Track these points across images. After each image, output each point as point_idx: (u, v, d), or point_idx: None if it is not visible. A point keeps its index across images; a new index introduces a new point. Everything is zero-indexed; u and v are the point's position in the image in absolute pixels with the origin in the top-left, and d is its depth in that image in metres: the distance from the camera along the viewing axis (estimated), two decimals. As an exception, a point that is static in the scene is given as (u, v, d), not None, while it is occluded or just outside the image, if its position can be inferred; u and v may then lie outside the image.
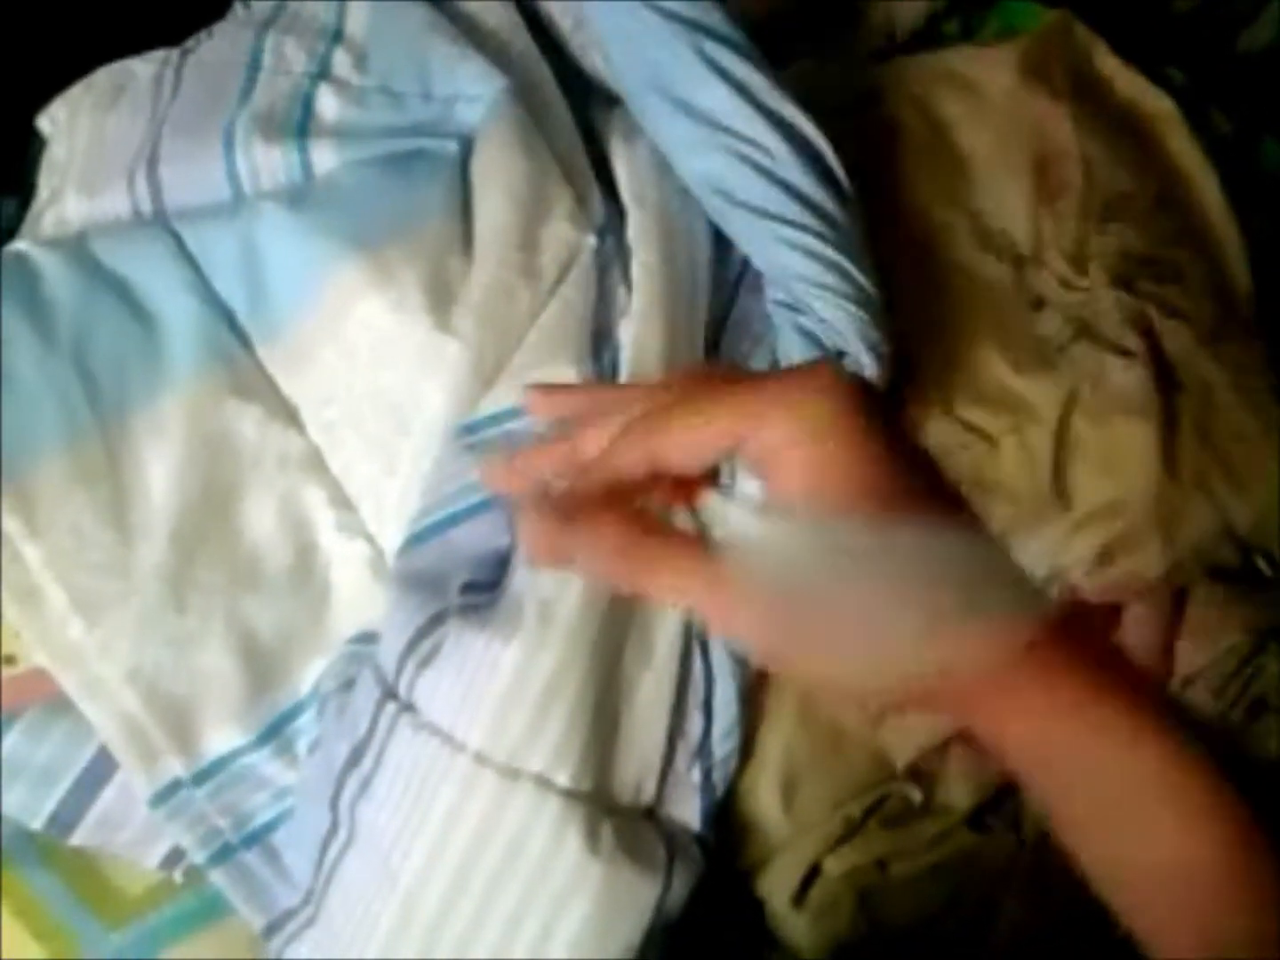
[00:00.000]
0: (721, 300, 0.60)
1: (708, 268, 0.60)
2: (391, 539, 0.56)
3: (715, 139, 0.59)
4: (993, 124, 0.63)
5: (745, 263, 0.61)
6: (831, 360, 0.31)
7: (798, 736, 0.51)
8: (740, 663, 0.51)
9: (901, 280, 0.56)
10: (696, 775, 0.50)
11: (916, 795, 0.51)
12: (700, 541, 0.32)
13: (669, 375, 0.37)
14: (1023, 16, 0.70)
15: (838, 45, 0.70)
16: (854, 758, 0.51)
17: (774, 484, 0.31)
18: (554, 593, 0.50)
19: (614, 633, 0.51)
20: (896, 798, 0.51)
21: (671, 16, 0.61)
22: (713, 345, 0.59)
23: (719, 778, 0.50)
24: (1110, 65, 0.66)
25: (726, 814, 0.51)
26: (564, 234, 0.59)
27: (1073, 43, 0.66)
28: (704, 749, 0.50)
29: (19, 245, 0.63)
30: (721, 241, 0.61)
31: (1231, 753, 0.33)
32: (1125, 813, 0.30)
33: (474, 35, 0.65)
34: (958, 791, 0.51)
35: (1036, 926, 0.53)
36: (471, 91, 0.62)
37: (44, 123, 0.70)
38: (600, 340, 0.57)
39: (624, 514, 0.32)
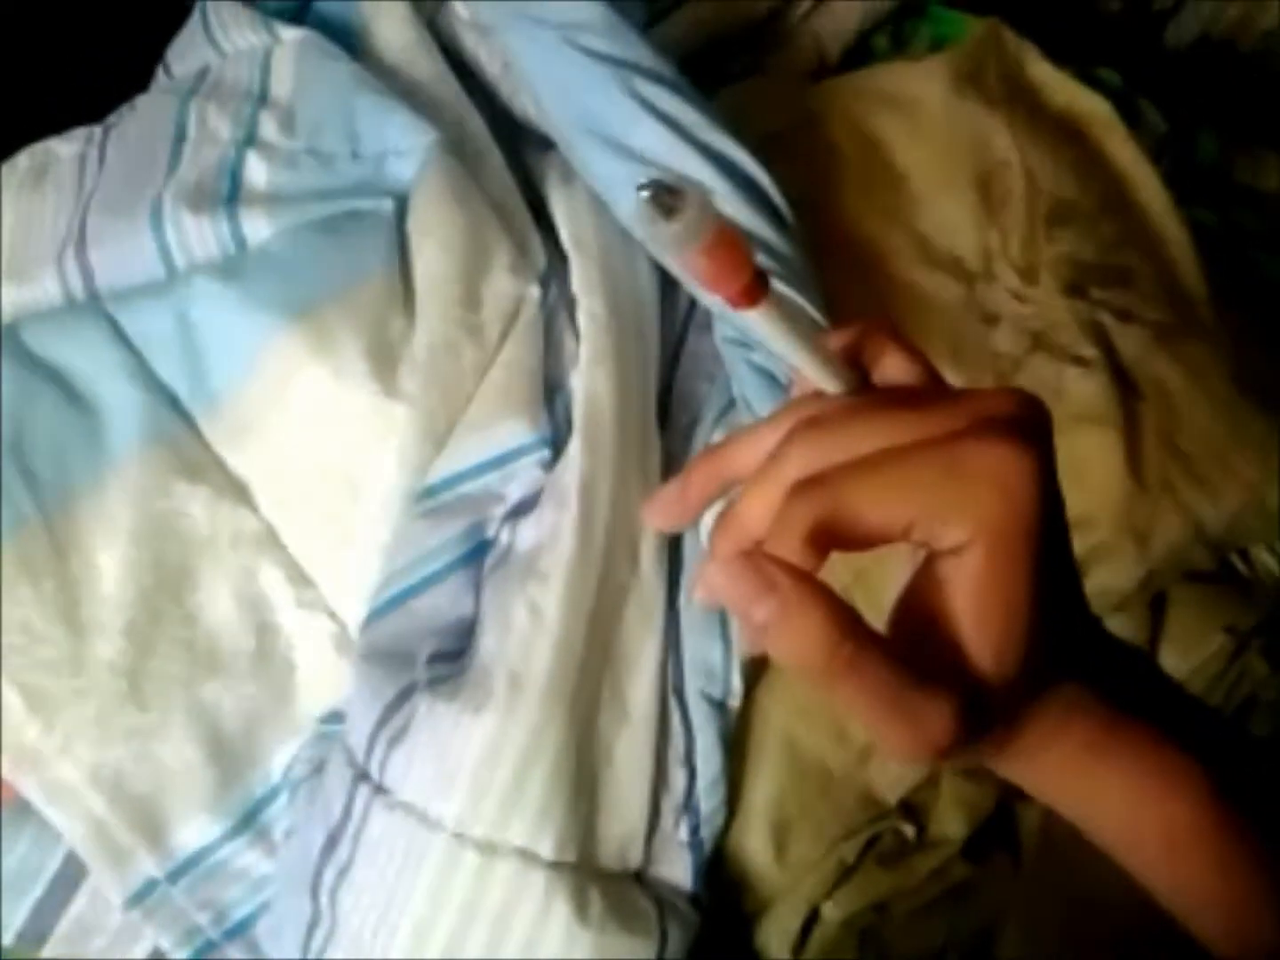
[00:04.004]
0: (671, 341, 0.59)
1: (654, 309, 0.59)
2: (354, 612, 0.54)
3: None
4: (930, 139, 0.62)
5: (692, 301, 0.60)
6: (1025, 444, 0.29)
7: (785, 782, 0.50)
8: (720, 711, 0.50)
9: (849, 305, 0.55)
10: (684, 832, 0.49)
11: (910, 831, 0.50)
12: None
13: (814, 405, 0.33)
14: (952, 25, 0.69)
15: (769, 69, 0.70)
16: (843, 798, 0.50)
17: (925, 578, 0.30)
18: (522, 658, 0.49)
19: (587, 693, 0.49)
20: (890, 835, 0.50)
21: (599, 57, 0.60)
22: (665, 387, 0.59)
23: (707, 833, 0.49)
24: (1043, 71, 0.65)
25: (718, 867, 0.50)
26: (506, 286, 0.57)
27: (1004, 51, 0.66)
28: (689, 804, 0.49)
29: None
30: (667, 281, 0.60)
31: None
32: (1127, 813, 0.33)
33: (402, 87, 0.64)
34: (951, 822, 0.50)
35: (1035, 950, 0.52)
36: (402, 146, 0.61)
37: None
38: (552, 392, 0.56)
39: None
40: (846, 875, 0.49)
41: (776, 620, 0.29)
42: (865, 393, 0.33)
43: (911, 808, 0.50)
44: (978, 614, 0.30)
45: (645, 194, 0.27)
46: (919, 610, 0.31)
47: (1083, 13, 0.68)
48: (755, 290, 0.29)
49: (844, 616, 0.29)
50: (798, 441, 0.31)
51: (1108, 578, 0.51)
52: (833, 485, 0.29)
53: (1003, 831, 0.51)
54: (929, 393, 0.33)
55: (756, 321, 0.30)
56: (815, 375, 0.33)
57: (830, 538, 0.29)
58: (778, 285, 0.35)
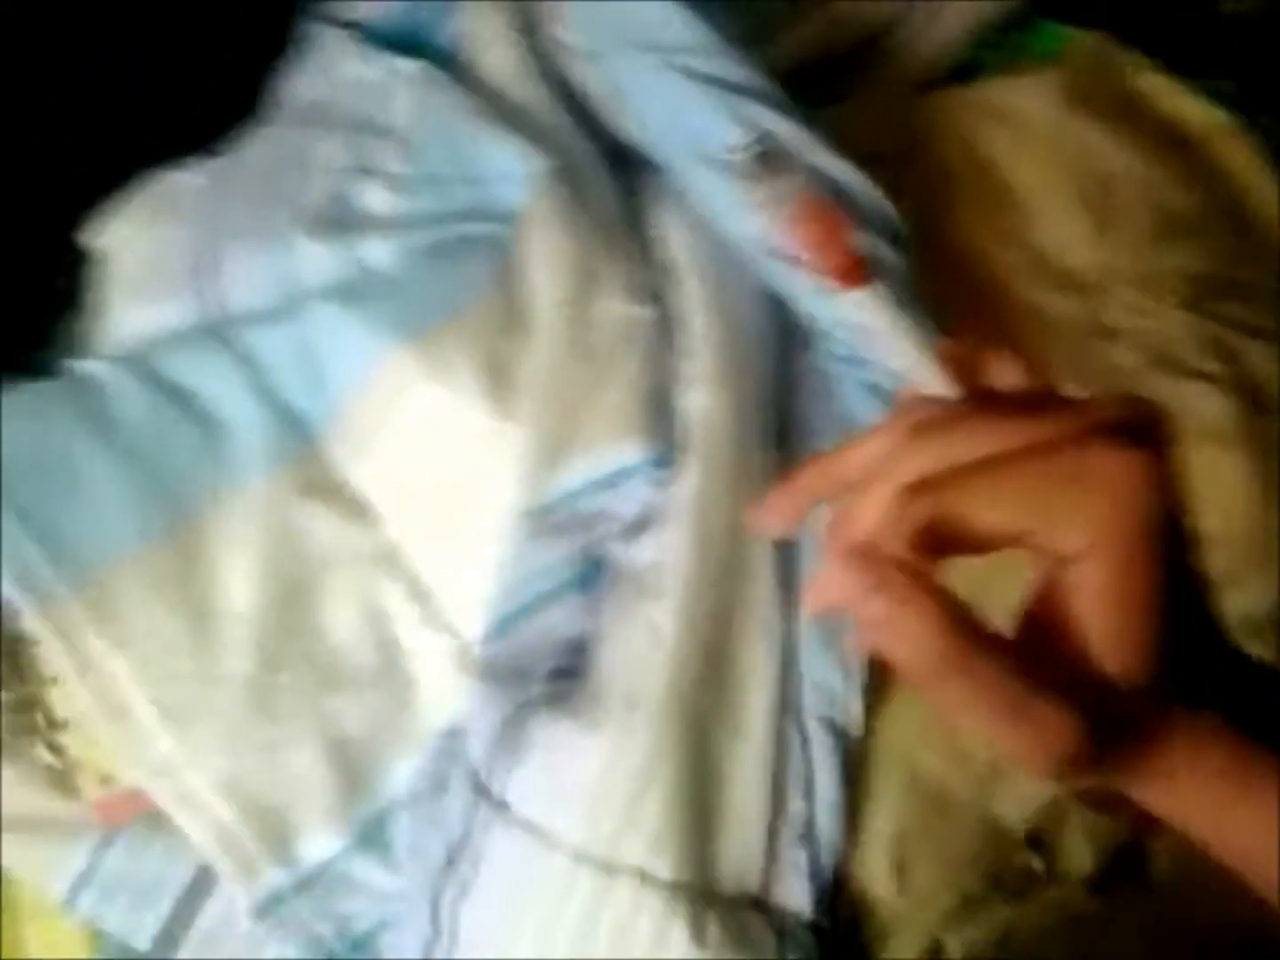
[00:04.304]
0: (780, 359, 0.60)
1: (762, 327, 0.60)
2: (472, 628, 0.55)
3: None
4: (1040, 154, 0.62)
5: (800, 321, 0.60)
6: (1139, 451, 0.29)
7: (906, 810, 0.49)
8: (840, 737, 0.50)
9: (966, 326, 0.54)
10: (802, 858, 0.49)
11: (1036, 863, 0.49)
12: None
13: (930, 414, 0.32)
14: (1060, 40, 0.69)
15: (874, 87, 0.70)
16: (966, 828, 0.49)
17: (1049, 587, 0.30)
18: (639, 677, 0.50)
19: (703, 713, 0.49)
20: (1014, 867, 0.49)
21: (703, 78, 0.61)
22: (775, 406, 0.59)
23: (826, 859, 0.49)
24: (1154, 83, 0.64)
25: (837, 894, 0.49)
26: (615, 308, 0.58)
27: (1113, 63, 0.65)
28: (808, 830, 0.49)
29: (81, 364, 0.64)
30: (775, 301, 0.60)
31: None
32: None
33: (511, 114, 0.65)
34: (1078, 855, 0.49)
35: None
36: (512, 172, 0.62)
37: (93, 240, 0.71)
38: (662, 411, 0.57)
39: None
40: (969, 906, 0.48)
41: (888, 616, 0.29)
42: (976, 398, 0.33)
43: (1037, 839, 0.49)
44: (1101, 621, 0.29)
45: (746, 151, 0.26)
46: (1042, 619, 0.31)
47: (1196, 23, 0.67)
48: (860, 267, 0.29)
49: (959, 615, 0.29)
50: (910, 444, 0.31)
51: (1239, 602, 0.50)
52: (946, 488, 0.30)
53: (1132, 867, 0.50)
54: (1043, 399, 0.33)
55: (863, 304, 0.30)
56: (923, 371, 0.33)
57: (942, 541, 0.29)
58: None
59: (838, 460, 0.34)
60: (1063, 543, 0.29)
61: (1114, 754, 0.30)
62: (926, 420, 0.32)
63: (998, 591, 0.43)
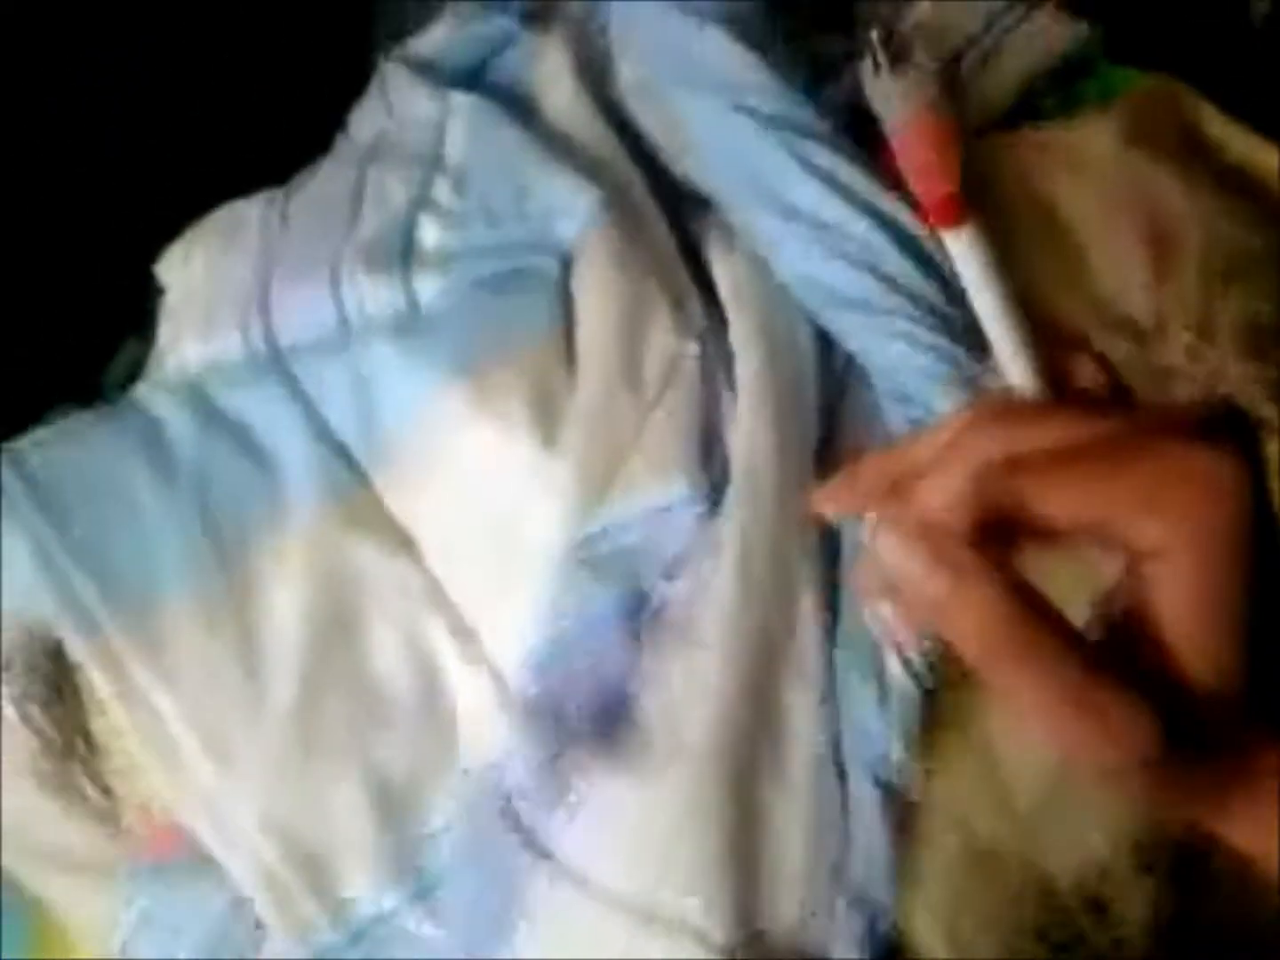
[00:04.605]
0: (830, 396, 0.59)
1: (812, 365, 0.59)
2: (514, 665, 0.55)
3: (812, 236, 0.58)
4: (1099, 194, 0.61)
5: (850, 358, 0.59)
6: (1227, 450, 0.27)
7: (956, 860, 0.48)
8: (887, 787, 0.48)
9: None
10: (847, 909, 0.47)
11: (1087, 924, 0.48)
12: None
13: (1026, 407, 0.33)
14: (1123, 83, 0.68)
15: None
16: (1017, 881, 0.48)
17: (1130, 580, 0.29)
18: (682, 719, 0.49)
19: (747, 761, 0.49)
20: (1067, 927, 0.48)
21: (764, 118, 0.61)
22: (823, 442, 0.58)
23: (872, 910, 0.47)
24: (1220, 126, 0.63)
25: (884, 949, 0.48)
26: (665, 343, 0.58)
27: (1177, 105, 0.64)
28: (854, 880, 0.48)
29: (139, 391, 0.65)
30: (826, 337, 0.60)
31: None
32: None
33: (566, 149, 0.66)
34: (1131, 908, 0.48)
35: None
36: (566, 206, 0.63)
37: (161, 269, 0.72)
38: (709, 447, 0.56)
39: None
40: (1022, 961, 0.47)
41: (951, 592, 0.28)
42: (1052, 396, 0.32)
43: (1090, 893, 0.48)
44: (1182, 621, 0.28)
45: (873, 37, 0.26)
46: (1120, 617, 0.29)
47: (1226, 32, 0.66)
48: (956, 206, 0.27)
49: (1027, 594, 0.27)
50: (987, 428, 0.30)
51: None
52: (1020, 473, 0.28)
53: (1193, 920, 0.49)
54: (1120, 401, 0.32)
55: (959, 248, 0.28)
56: (1008, 338, 0.31)
57: (1012, 529, 0.28)
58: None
59: (902, 450, 0.33)
60: (1144, 535, 0.28)
61: (1191, 768, 0.29)
62: (1003, 407, 0.31)
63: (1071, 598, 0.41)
